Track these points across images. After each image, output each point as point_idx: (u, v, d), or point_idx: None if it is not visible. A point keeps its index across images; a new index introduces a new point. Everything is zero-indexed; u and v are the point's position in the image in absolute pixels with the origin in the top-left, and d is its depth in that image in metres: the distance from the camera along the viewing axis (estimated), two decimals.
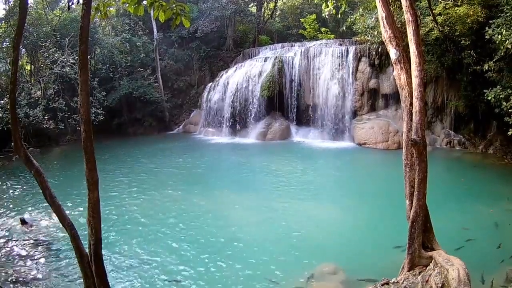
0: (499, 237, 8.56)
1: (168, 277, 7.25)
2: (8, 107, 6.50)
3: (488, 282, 6.47)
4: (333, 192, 13.24)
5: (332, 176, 15.70)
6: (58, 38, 24.33)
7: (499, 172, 14.83)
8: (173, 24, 4.96)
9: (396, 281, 5.70)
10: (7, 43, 22.75)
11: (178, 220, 10.19)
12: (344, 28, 24.74)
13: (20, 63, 24.11)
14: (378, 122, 20.82)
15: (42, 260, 8.04)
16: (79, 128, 5.15)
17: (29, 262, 7.95)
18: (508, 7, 12.71)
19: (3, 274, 7.43)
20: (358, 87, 22.30)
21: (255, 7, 33.98)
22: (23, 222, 9.83)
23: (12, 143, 5.33)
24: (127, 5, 5.03)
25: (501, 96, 12.79)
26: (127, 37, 27.19)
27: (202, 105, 26.74)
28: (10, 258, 8.18)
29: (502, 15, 12.75)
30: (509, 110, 12.44)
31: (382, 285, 5.76)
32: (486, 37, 12.91)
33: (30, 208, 11.31)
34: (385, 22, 6.14)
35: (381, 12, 6.19)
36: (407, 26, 5.86)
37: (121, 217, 10.45)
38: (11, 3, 22.04)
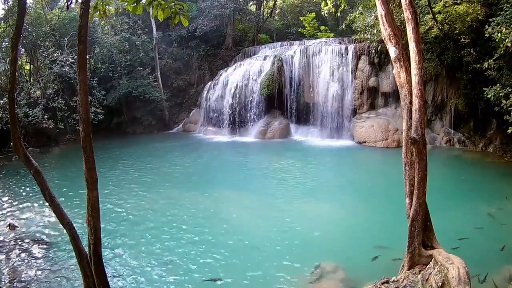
0: (499, 237, 8.57)
1: (167, 276, 7.26)
2: (7, 106, 6.49)
3: (488, 281, 6.47)
4: (333, 191, 13.23)
5: (332, 175, 15.70)
6: (57, 38, 24.31)
7: (499, 171, 14.83)
8: (172, 23, 4.95)
9: (396, 279, 5.69)
10: (7, 43, 22.72)
11: (178, 220, 10.18)
12: (343, 27, 24.75)
13: (19, 62, 24.10)
14: (378, 121, 20.82)
15: (41, 260, 8.03)
16: (79, 128, 5.14)
17: (28, 262, 7.94)
18: (508, 5, 12.69)
19: (2, 274, 7.43)
20: (357, 85, 22.30)
21: (255, 5, 33.94)
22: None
23: (12, 143, 5.32)
24: (126, 4, 5.02)
25: (500, 94, 12.76)
26: (126, 36, 27.16)
27: (202, 104, 26.74)
28: (9, 258, 8.17)
29: (501, 13, 12.73)
30: (509, 108, 12.42)
31: (382, 283, 5.75)
32: (485, 35, 12.89)
33: (29, 208, 11.29)
34: (384, 20, 6.12)
35: (380, 10, 6.17)
36: (406, 24, 5.84)
37: (120, 217, 10.44)
38: (10, 3, 22.00)
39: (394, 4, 15.14)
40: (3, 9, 23.17)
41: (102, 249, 5.04)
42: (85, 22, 4.81)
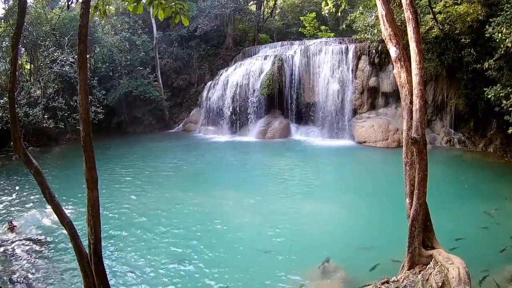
0: (499, 237, 8.56)
1: (169, 277, 7.25)
2: (8, 106, 6.49)
3: (489, 282, 6.47)
4: (334, 191, 13.23)
5: (332, 175, 15.68)
6: (58, 37, 24.33)
7: (499, 171, 14.82)
8: (172, 22, 4.95)
9: (396, 279, 5.68)
10: (7, 42, 22.74)
11: (179, 220, 10.18)
12: (344, 26, 24.72)
13: (20, 62, 24.11)
14: (378, 121, 20.81)
15: (41, 259, 8.03)
16: (79, 127, 5.13)
17: (28, 262, 7.93)
18: (508, 6, 12.68)
19: (2, 273, 7.43)
20: (358, 85, 22.30)
21: (255, 5, 33.93)
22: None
23: (12, 143, 5.32)
24: (126, 3, 5.02)
25: (501, 94, 12.75)
26: (127, 35, 27.18)
27: (202, 103, 26.75)
28: (10, 257, 8.17)
29: (502, 13, 12.71)
30: (509, 109, 12.41)
31: (382, 283, 5.74)
32: (486, 35, 12.88)
33: (29, 207, 11.29)
34: (385, 20, 6.11)
35: (381, 10, 6.17)
36: (407, 24, 5.83)
37: (121, 216, 10.44)
38: (11, 2, 22.01)
39: (395, 4, 15.12)
40: (3, 8, 23.20)
41: (102, 249, 5.03)
42: (86, 21, 4.80)
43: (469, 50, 15.98)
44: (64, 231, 5.44)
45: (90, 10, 5.22)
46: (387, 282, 5.72)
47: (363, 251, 8.03)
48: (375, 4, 7.07)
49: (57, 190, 7.65)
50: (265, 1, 34.06)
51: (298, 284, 6.84)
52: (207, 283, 7.00)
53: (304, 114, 23.94)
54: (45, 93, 22.78)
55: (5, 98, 17.74)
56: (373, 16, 18.54)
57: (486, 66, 13.52)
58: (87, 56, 5.33)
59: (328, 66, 22.95)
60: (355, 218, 10.32)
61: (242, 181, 14.65)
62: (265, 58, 24.67)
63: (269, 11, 33.97)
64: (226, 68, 26.99)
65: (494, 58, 13.35)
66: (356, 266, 7.36)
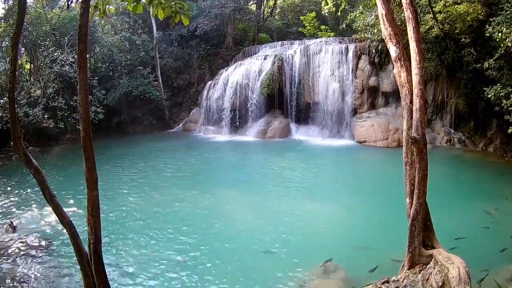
0: (498, 237, 8.57)
1: (170, 278, 7.25)
2: (8, 106, 6.48)
3: (489, 281, 6.47)
4: (334, 191, 13.23)
5: (332, 175, 15.68)
6: (58, 37, 24.32)
7: (499, 170, 14.82)
8: (172, 22, 4.95)
9: (396, 279, 5.68)
10: (7, 42, 22.72)
11: (178, 220, 10.18)
12: (344, 26, 24.73)
13: (20, 62, 24.11)
14: (378, 120, 20.82)
15: (41, 259, 8.03)
16: (79, 127, 5.13)
17: (28, 262, 7.93)
18: (508, 5, 12.69)
19: (2, 273, 7.43)
20: (358, 85, 22.30)
21: (255, 5, 33.92)
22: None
23: (12, 142, 5.32)
24: (126, 3, 5.02)
25: (501, 94, 12.75)
26: (127, 35, 27.18)
27: (202, 103, 26.74)
28: (9, 257, 8.17)
29: (502, 13, 12.72)
30: (509, 108, 12.40)
31: (382, 283, 5.74)
32: (486, 35, 12.88)
33: (29, 207, 11.28)
34: (385, 20, 6.11)
35: (381, 10, 6.16)
36: (407, 24, 5.83)
37: (121, 216, 10.43)
38: (11, 2, 22.00)
39: (395, 4, 15.11)
40: (3, 8, 23.20)
41: (102, 249, 5.03)
42: (86, 21, 4.80)
43: (469, 49, 15.99)
44: (64, 231, 5.44)
45: (90, 9, 5.22)
46: (387, 281, 5.72)
47: (363, 251, 8.03)
48: (375, 3, 7.07)
49: (57, 190, 7.67)
50: (265, 1, 34.05)
51: (298, 284, 6.84)
52: (207, 282, 7.00)
53: (304, 114, 23.94)
54: (45, 93, 22.75)
55: (5, 98, 17.72)
56: (373, 16, 18.54)
57: (486, 66, 13.52)
58: (87, 56, 5.33)
59: (328, 66, 22.95)
60: (355, 218, 10.33)
61: (242, 181, 14.65)
62: (265, 57, 24.67)
63: (269, 10, 33.93)
64: (226, 68, 26.98)
65: (494, 58, 13.34)
66: (356, 266, 7.36)
